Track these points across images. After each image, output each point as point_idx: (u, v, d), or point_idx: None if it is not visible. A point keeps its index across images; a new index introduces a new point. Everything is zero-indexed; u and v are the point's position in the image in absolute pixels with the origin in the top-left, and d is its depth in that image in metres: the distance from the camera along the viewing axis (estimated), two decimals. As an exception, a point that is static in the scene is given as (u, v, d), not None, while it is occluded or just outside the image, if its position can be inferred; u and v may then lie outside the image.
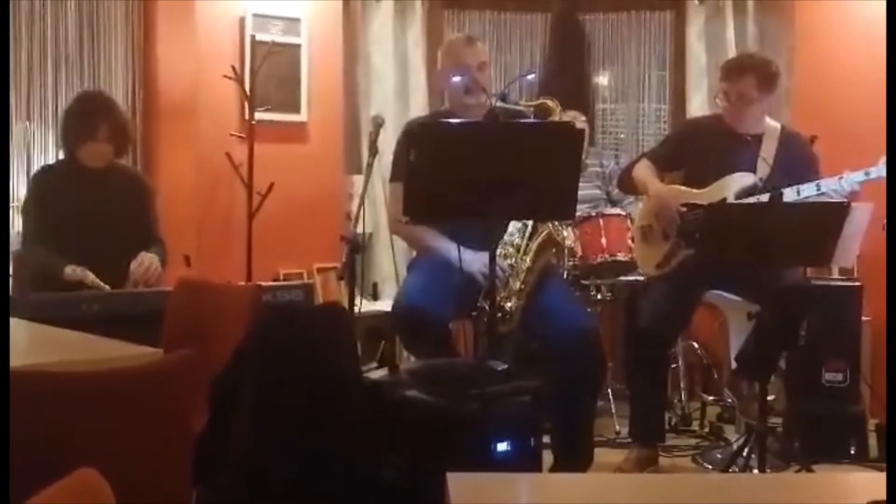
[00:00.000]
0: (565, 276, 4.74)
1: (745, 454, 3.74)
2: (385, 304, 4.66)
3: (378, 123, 3.75)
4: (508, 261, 3.78)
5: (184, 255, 4.52)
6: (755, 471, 3.63)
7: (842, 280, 4.71)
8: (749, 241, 3.59)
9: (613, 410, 4.78)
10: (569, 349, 3.71)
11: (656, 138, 5.66)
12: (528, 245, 3.82)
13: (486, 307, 3.38)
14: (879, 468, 4.11)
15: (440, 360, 3.47)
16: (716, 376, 5.21)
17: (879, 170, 3.87)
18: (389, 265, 5.30)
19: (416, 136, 3.37)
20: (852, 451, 4.36)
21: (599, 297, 5.12)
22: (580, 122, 4.59)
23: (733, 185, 4.11)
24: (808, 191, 3.90)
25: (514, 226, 3.83)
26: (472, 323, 3.93)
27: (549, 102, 3.95)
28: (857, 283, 4.62)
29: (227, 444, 2.58)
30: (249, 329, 2.83)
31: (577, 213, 4.12)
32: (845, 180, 3.88)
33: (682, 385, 5.03)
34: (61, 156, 4.35)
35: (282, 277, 5.03)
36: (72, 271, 3.77)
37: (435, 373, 3.21)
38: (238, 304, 3.24)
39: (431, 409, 2.95)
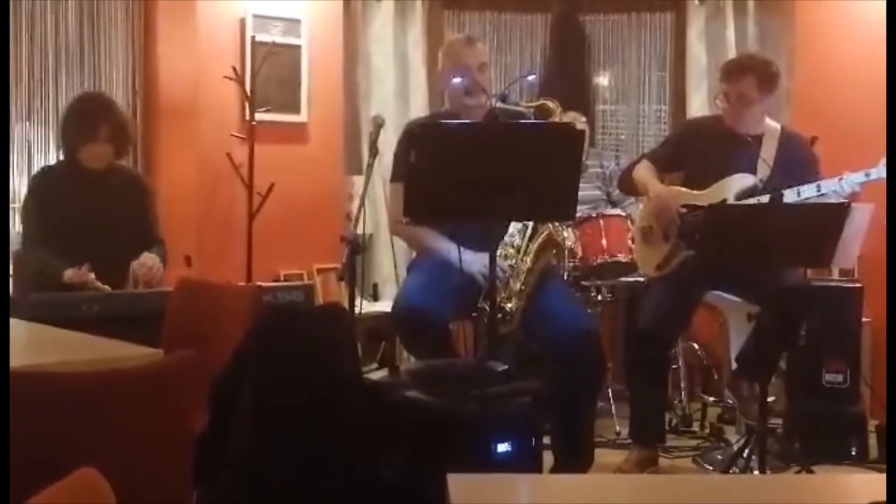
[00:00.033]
0: (565, 276, 4.75)
1: (745, 455, 3.74)
2: (385, 305, 4.66)
3: (378, 124, 3.75)
4: (508, 261, 3.78)
5: (184, 255, 4.52)
6: (755, 472, 3.63)
7: (842, 281, 4.70)
8: (749, 242, 3.59)
9: (614, 411, 4.77)
10: (569, 350, 3.72)
11: (656, 139, 5.66)
12: (528, 246, 3.82)
13: (487, 308, 3.38)
14: (880, 469, 4.10)
15: (440, 360, 3.47)
16: (716, 377, 5.20)
17: (879, 171, 3.87)
18: (390, 266, 5.30)
19: (417, 137, 3.37)
20: (852, 452, 4.36)
21: (599, 297, 5.12)
22: (580, 122, 4.59)
23: (733, 186, 4.11)
24: (808, 192, 3.90)
25: (514, 227, 3.83)
26: (473, 324, 3.93)
27: (550, 103, 3.95)
28: (858, 285, 4.62)
29: (227, 444, 2.58)
30: (249, 330, 2.83)
31: (578, 214, 4.12)
32: (845, 181, 3.88)
33: (682, 386, 5.03)
34: (61, 156, 4.34)
35: (282, 278, 5.03)
36: (72, 274, 3.76)
37: (435, 373, 3.21)
38: (238, 305, 3.24)
39: (432, 410, 2.95)
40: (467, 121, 3.78)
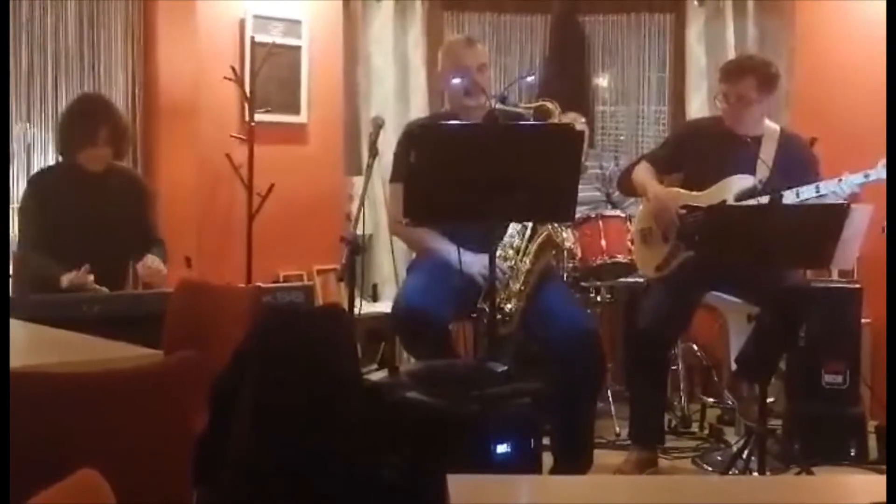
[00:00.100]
0: (565, 277, 4.75)
1: (744, 456, 3.74)
2: (385, 306, 4.66)
3: (378, 124, 3.76)
4: (508, 262, 3.78)
5: (185, 256, 4.52)
6: (755, 473, 3.63)
7: (841, 282, 4.70)
8: (749, 243, 3.59)
9: (613, 412, 4.78)
10: (569, 351, 3.72)
11: (656, 140, 5.66)
12: (527, 247, 3.82)
13: (486, 309, 3.38)
14: (879, 470, 4.11)
15: (440, 361, 3.47)
16: (716, 378, 5.20)
17: (879, 172, 3.87)
18: (389, 266, 5.30)
19: (417, 138, 3.38)
20: (852, 453, 4.36)
21: (599, 298, 5.12)
22: (580, 123, 4.57)
23: (733, 187, 4.11)
24: (807, 193, 3.90)
25: (513, 227, 3.84)
26: (472, 324, 3.93)
27: (549, 104, 3.95)
28: (857, 285, 4.62)
29: (227, 444, 2.58)
30: (249, 330, 2.83)
31: (577, 215, 4.12)
32: (845, 182, 3.88)
33: (681, 387, 5.03)
34: (60, 158, 4.34)
35: (282, 279, 5.03)
36: (73, 277, 3.73)
37: (435, 374, 3.21)
38: (238, 306, 3.25)
39: (431, 411, 2.95)
40: (467, 121, 3.78)
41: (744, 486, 2.44)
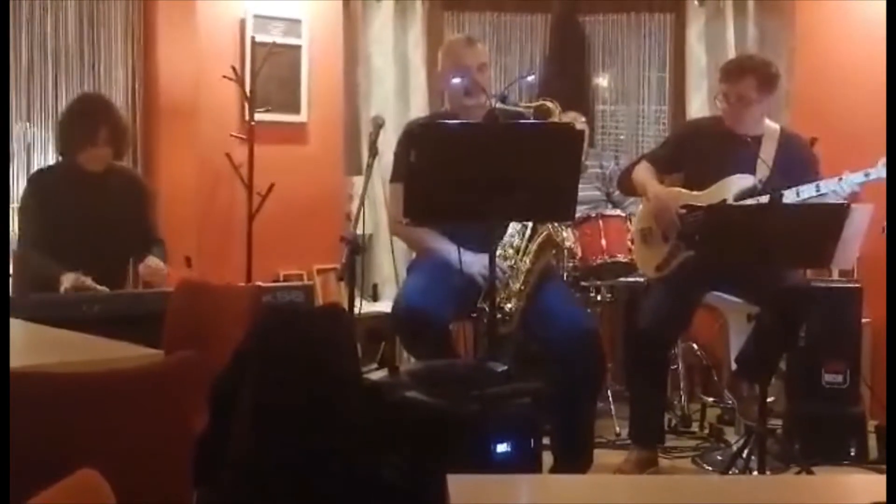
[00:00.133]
0: (565, 277, 4.75)
1: (744, 456, 3.74)
2: (385, 306, 4.66)
3: (378, 124, 3.75)
4: (508, 262, 3.78)
5: (185, 256, 4.52)
6: (755, 472, 3.63)
7: (842, 282, 4.70)
8: (749, 242, 3.59)
9: (613, 412, 4.77)
10: (569, 350, 3.72)
11: (656, 140, 5.66)
12: (527, 246, 3.82)
13: (486, 308, 3.38)
14: (879, 470, 4.11)
15: (440, 361, 3.47)
16: (716, 378, 5.20)
17: (879, 171, 3.86)
18: (389, 266, 5.30)
19: (417, 137, 3.38)
20: (852, 453, 4.36)
21: (599, 298, 5.12)
22: (580, 123, 4.57)
23: (733, 186, 4.11)
24: (807, 192, 3.90)
25: (513, 227, 3.84)
26: (472, 324, 3.93)
27: (549, 104, 3.95)
28: (857, 285, 4.61)
29: (227, 444, 2.58)
30: (249, 330, 2.83)
31: (577, 215, 4.12)
32: (845, 181, 3.88)
33: (681, 386, 5.03)
34: (60, 157, 4.34)
35: (282, 278, 5.03)
36: (72, 279, 3.73)
37: (435, 374, 3.21)
38: (238, 306, 3.25)
39: (431, 411, 2.95)
40: (467, 121, 3.78)
41: (744, 485, 2.44)
